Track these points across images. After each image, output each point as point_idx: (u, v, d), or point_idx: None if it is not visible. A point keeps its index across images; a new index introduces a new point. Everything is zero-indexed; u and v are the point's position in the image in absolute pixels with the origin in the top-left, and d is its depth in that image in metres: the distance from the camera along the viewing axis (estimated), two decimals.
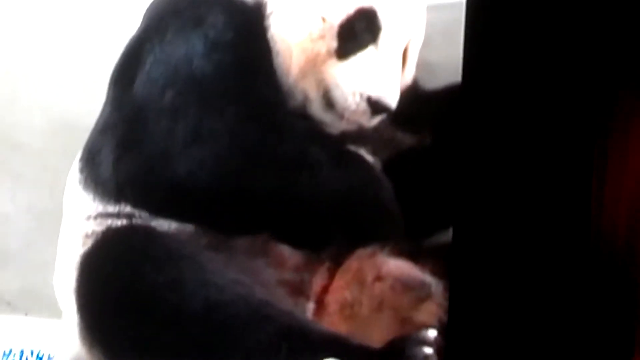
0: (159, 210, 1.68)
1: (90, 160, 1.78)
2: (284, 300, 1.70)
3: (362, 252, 1.77)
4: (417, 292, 1.75)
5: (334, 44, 1.69)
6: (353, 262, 1.78)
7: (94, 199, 1.76)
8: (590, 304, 1.28)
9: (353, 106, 1.71)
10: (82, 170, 1.81)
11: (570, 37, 1.23)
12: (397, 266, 1.76)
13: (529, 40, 1.25)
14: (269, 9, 1.74)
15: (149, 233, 1.67)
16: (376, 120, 1.72)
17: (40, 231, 2.22)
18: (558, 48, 1.23)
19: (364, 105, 1.72)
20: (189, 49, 1.66)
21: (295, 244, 1.69)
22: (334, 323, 1.73)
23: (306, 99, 1.72)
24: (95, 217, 1.76)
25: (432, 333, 1.66)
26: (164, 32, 1.71)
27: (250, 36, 1.70)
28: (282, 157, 1.66)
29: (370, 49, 1.71)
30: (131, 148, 1.70)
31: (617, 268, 1.28)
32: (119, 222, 1.72)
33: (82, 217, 1.79)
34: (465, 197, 1.38)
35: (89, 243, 1.75)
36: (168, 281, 1.60)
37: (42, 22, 2.24)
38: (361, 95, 1.71)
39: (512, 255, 1.30)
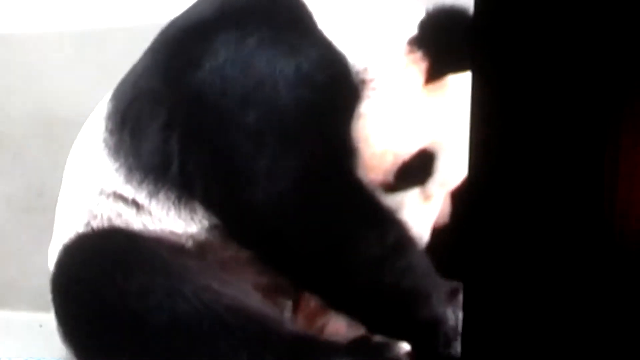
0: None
1: (127, 126, 1.66)
2: (260, 301, 1.65)
3: None
4: None
5: (390, 178, 1.66)
6: None
7: (118, 170, 1.65)
8: (610, 304, 1.24)
9: None
10: (112, 132, 1.67)
11: (581, 37, 1.19)
12: None
13: (536, 44, 1.21)
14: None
15: (127, 238, 1.62)
16: None
17: (17, 223, 2.21)
18: (568, 48, 1.20)
19: None
20: (276, 70, 1.60)
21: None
22: (311, 317, 1.70)
23: None
24: (109, 196, 1.66)
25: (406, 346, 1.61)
26: (248, 35, 1.62)
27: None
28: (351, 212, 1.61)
29: (415, 191, 1.68)
30: (201, 145, 1.61)
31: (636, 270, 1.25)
32: (128, 211, 1.64)
33: (95, 188, 1.68)
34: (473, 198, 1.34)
35: (92, 225, 1.66)
36: (136, 289, 1.55)
37: (24, 11, 2.21)
38: None
39: (524, 255, 1.27)
